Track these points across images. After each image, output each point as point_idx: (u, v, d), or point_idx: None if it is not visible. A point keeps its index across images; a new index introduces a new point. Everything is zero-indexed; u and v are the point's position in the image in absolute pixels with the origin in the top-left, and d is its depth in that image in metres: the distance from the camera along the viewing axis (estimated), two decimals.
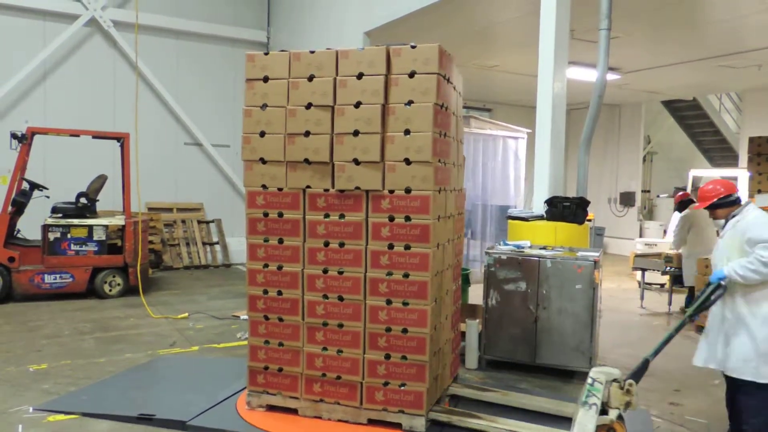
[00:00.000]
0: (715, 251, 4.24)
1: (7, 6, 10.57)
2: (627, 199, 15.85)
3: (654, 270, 8.94)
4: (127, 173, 9.03)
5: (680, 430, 4.47)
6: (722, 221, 4.28)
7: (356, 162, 4.08)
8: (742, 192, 11.07)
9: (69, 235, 8.49)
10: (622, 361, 6.13)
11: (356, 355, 4.15)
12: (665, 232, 13.91)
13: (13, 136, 8.31)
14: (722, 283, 3.93)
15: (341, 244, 4.15)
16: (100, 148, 10.42)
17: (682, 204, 8.65)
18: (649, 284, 9.90)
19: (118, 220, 8.88)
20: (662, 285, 10.28)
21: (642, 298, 9.10)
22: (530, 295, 5.47)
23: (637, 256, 9.28)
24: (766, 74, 11.15)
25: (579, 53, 9.14)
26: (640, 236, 14.78)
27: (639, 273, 9.33)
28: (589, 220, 6.30)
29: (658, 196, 16.68)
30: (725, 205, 4.20)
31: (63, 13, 11.02)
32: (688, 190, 14.54)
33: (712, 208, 4.25)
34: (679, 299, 9.16)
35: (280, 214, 4.28)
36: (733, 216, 4.16)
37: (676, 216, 10.61)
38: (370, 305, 4.11)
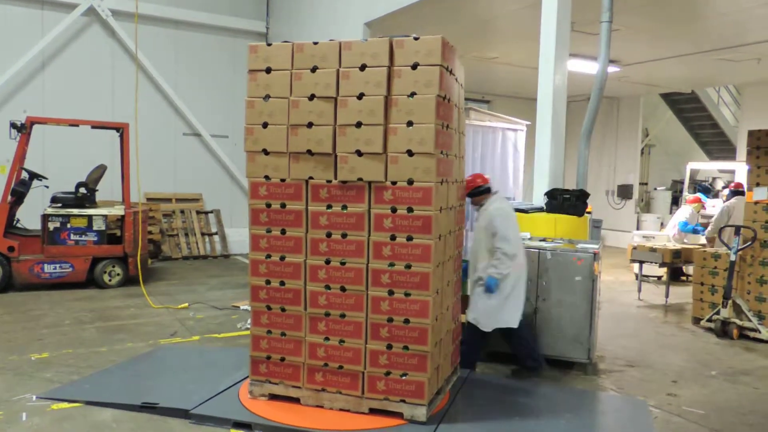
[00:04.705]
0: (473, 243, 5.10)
1: None
2: (625, 191, 15.88)
3: (651, 262, 8.99)
4: (127, 163, 9.02)
5: (677, 420, 4.53)
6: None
7: (359, 153, 4.09)
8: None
9: (69, 225, 8.49)
10: (620, 353, 6.19)
11: (358, 345, 4.19)
12: (662, 224, 13.96)
13: (13, 125, 8.29)
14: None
15: (344, 235, 4.17)
16: (99, 138, 10.41)
17: (733, 193, 8.77)
18: (647, 276, 9.96)
19: (118, 210, 8.89)
20: (659, 277, 10.34)
21: (639, 290, 9.16)
22: (530, 287, 5.49)
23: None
24: (765, 68, 11.16)
25: (579, 45, 9.14)
26: (638, 229, 14.83)
27: (636, 265, 9.38)
28: (589, 213, 6.33)
29: (655, 189, 16.72)
30: (478, 194, 5.14)
31: (61, 2, 10.97)
32: (686, 183, 14.60)
33: (471, 196, 5.16)
34: (677, 291, 9.23)
35: (283, 205, 4.30)
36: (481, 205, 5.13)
37: (683, 210, 10.50)
38: (372, 296, 4.14)
